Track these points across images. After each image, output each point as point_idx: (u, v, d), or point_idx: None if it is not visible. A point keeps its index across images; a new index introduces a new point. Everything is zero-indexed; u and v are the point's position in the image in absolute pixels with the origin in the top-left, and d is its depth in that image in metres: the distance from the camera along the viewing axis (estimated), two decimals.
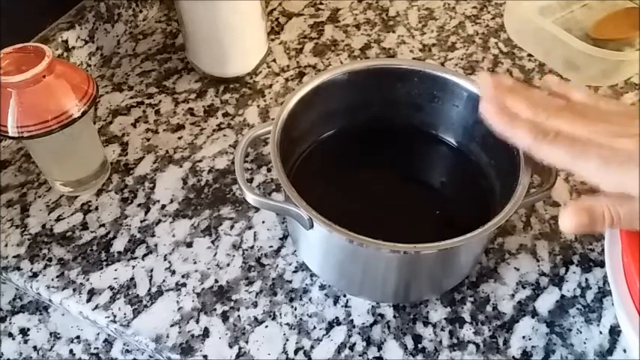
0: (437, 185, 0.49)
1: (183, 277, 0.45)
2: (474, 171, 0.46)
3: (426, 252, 0.36)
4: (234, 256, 0.46)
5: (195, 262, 0.46)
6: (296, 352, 0.41)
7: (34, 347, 0.49)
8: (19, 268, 0.46)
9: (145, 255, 0.46)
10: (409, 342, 0.42)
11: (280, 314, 0.43)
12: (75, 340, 0.50)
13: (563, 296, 0.44)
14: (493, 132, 0.37)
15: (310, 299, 0.44)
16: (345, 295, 0.44)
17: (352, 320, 0.43)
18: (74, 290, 0.44)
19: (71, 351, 0.49)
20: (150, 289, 0.44)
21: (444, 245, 0.35)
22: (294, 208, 0.37)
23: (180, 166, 0.53)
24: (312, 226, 0.37)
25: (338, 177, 0.47)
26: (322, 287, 0.44)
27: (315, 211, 0.36)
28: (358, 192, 0.46)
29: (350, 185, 0.47)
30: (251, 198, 0.38)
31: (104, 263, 0.46)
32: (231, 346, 0.41)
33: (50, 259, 0.46)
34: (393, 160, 0.48)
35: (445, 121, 0.47)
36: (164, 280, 0.45)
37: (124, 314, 0.43)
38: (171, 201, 0.50)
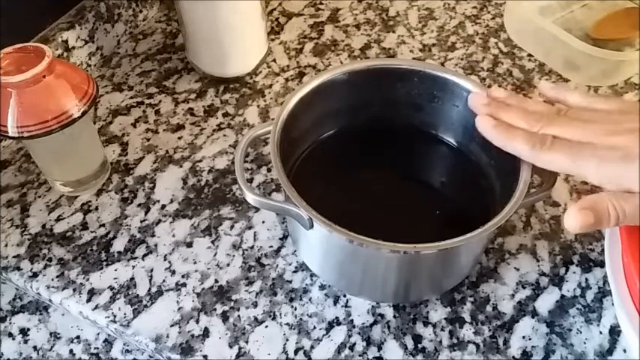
0: (437, 185, 0.49)
1: (183, 277, 0.45)
2: (474, 171, 0.46)
3: (426, 252, 0.36)
4: (234, 256, 0.46)
5: (195, 262, 0.46)
6: (296, 352, 0.41)
7: (34, 347, 0.49)
8: (19, 268, 0.46)
9: (145, 255, 0.46)
10: (409, 342, 0.42)
11: (280, 314, 0.43)
12: (75, 340, 0.50)
13: (563, 296, 0.44)
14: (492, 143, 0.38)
15: (310, 299, 0.44)
16: (345, 295, 0.44)
17: (352, 320, 0.43)
18: (74, 290, 0.44)
19: (71, 351, 0.49)
20: (150, 289, 0.44)
21: (444, 245, 0.35)
22: (294, 208, 0.37)
23: (180, 166, 0.53)
24: (312, 226, 0.37)
25: (338, 177, 0.47)
26: (322, 287, 0.44)
27: (315, 211, 0.36)
28: (358, 192, 0.46)
29: (350, 185, 0.47)
30: (251, 198, 0.38)
31: (104, 263, 0.46)
32: (231, 346, 0.41)
33: (50, 259, 0.46)
34: (393, 160, 0.48)
35: (445, 121, 0.47)
36: (164, 280, 0.45)
37: (124, 314, 0.43)
38: (171, 201, 0.50)
